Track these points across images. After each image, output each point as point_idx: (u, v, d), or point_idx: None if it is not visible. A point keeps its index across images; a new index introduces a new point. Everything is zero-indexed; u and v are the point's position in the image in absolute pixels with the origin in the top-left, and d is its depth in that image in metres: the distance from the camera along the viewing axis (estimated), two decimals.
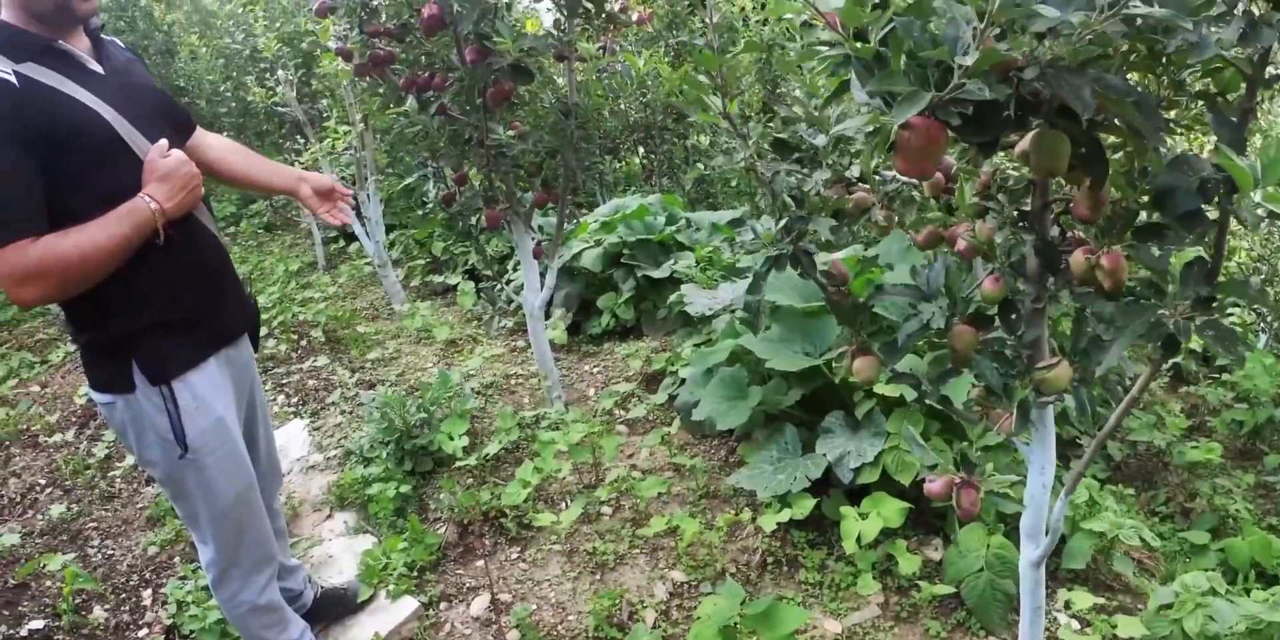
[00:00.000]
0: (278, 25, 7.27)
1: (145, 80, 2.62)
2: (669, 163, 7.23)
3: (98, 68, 2.42)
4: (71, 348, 7.30)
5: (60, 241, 2.20)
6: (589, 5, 3.79)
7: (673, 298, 5.02)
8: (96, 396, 2.54)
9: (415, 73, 3.91)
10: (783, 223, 2.14)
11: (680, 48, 7.61)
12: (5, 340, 7.96)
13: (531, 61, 3.65)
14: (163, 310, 2.48)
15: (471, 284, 6.77)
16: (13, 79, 2.20)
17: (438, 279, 7.29)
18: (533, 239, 4.32)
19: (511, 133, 3.79)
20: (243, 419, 2.83)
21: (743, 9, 6.74)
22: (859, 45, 1.33)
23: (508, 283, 6.16)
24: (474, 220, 4.25)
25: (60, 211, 2.24)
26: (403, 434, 4.33)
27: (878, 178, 2.33)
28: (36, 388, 6.64)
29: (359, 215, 6.99)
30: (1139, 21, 1.36)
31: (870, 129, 1.32)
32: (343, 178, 7.21)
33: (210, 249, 2.64)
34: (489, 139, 3.75)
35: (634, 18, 4.06)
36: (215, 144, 2.88)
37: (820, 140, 2.30)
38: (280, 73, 6.89)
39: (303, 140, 7.14)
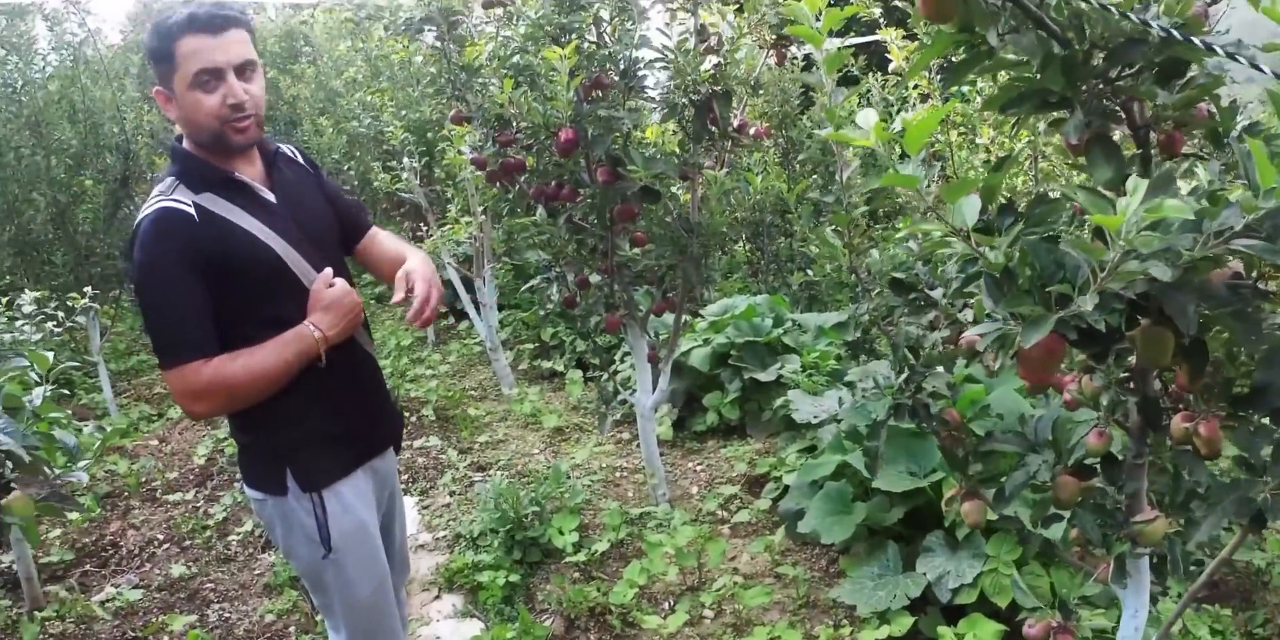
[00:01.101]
0: (403, 113, 7.58)
1: (315, 202, 2.81)
2: (775, 260, 7.40)
3: (270, 197, 2.62)
4: None
5: (230, 364, 2.43)
6: (713, 128, 4.01)
7: (779, 402, 5.17)
8: (249, 492, 2.74)
9: (545, 183, 4.14)
10: (903, 376, 2.31)
11: (789, 144, 7.81)
12: (124, 390, 8.32)
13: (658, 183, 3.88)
14: (318, 425, 2.68)
15: (579, 373, 6.98)
16: (191, 210, 2.43)
17: (546, 364, 7.52)
18: (648, 344, 4.52)
19: (637, 251, 4.02)
20: (381, 516, 3.00)
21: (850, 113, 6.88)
22: (991, 260, 1.51)
23: (614, 373, 6.36)
24: (593, 323, 4.47)
25: (227, 333, 2.47)
26: (515, 525, 4.51)
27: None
28: (155, 442, 6.94)
29: (473, 298, 7.27)
30: None
31: (996, 336, 1.49)
32: (463, 260, 7.51)
33: (365, 368, 2.84)
34: (615, 255, 3.98)
35: (752, 132, 4.26)
36: (382, 247, 3.01)
37: (938, 293, 2.47)
38: (406, 160, 7.20)
39: (424, 226, 7.42)
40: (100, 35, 8.63)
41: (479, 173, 4.41)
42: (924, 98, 6.50)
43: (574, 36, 3.82)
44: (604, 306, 4.27)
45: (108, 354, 7.82)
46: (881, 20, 5.94)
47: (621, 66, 3.82)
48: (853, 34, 7.55)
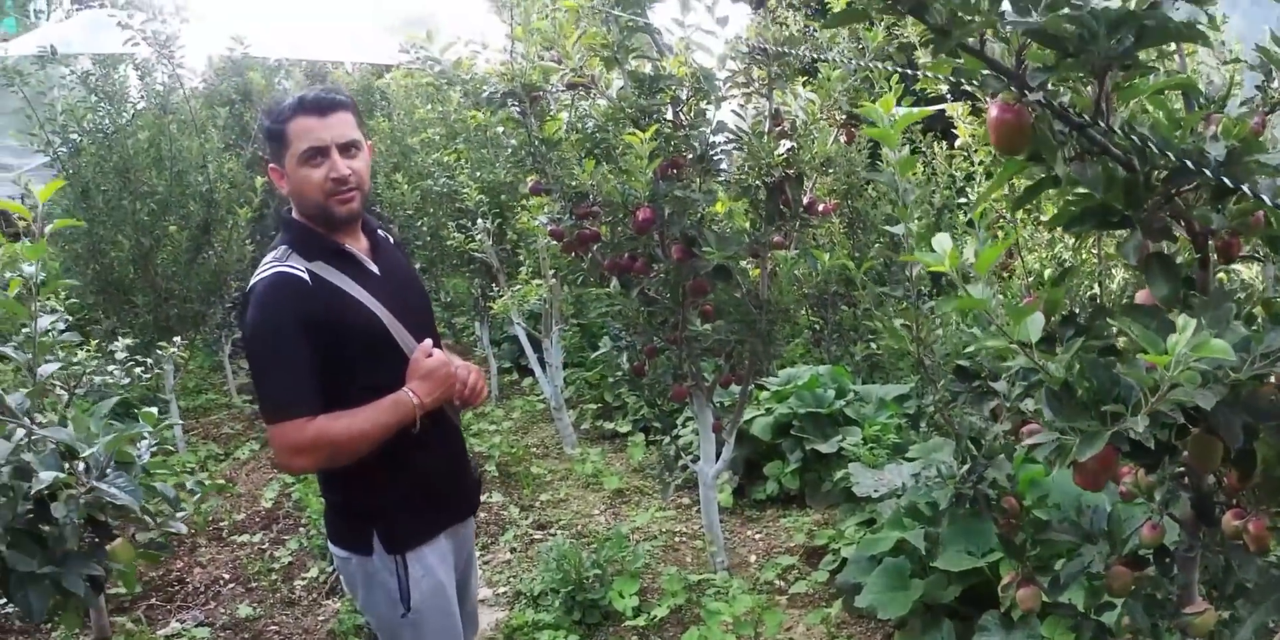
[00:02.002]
0: (478, 174, 7.74)
1: (411, 278, 3.01)
2: (838, 329, 7.46)
3: (374, 268, 2.80)
4: (257, 446, 7.80)
5: (332, 424, 2.57)
6: (785, 209, 4.15)
7: (840, 474, 5.24)
8: (334, 549, 2.88)
9: (619, 256, 4.28)
10: (966, 467, 2.42)
11: (854, 214, 7.88)
12: (192, 427, 8.48)
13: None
14: (407, 490, 2.80)
15: (642, 436, 7.10)
16: (305, 276, 2.61)
17: (608, 425, 7.64)
18: (713, 413, 4.64)
19: (708, 326, 4.15)
20: (458, 577, 3.09)
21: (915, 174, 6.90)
22: (1052, 374, 1.63)
23: (676, 438, 6.45)
24: (660, 391, 4.59)
25: (327, 396, 2.61)
26: (576, 586, 4.62)
27: None
28: (222, 481, 7.07)
29: (539, 357, 7.42)
30: None
31: (1055, 447, 1.60)
32: (530, 317, 7.66)
33: (452, 438, 2.98)
34: (686, 330, 4.11)
35: (820, 209, 4.38)
36: None
37: (1000, 385, 2.58)
38: (480, 222, 7.36)
39: (495, 285, 7.57)
40: (185, 81, 8.87)
41: (555, 243, 4.56)
42: (988, 174, 6.58)
43: (653, 119, 3.98)
44: (672, 377, 4.40)
45: (177, 391, 8.01)
46: (949, 96, 6.05)
47: (699, 150, 3.97)
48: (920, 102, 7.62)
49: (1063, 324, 1.79)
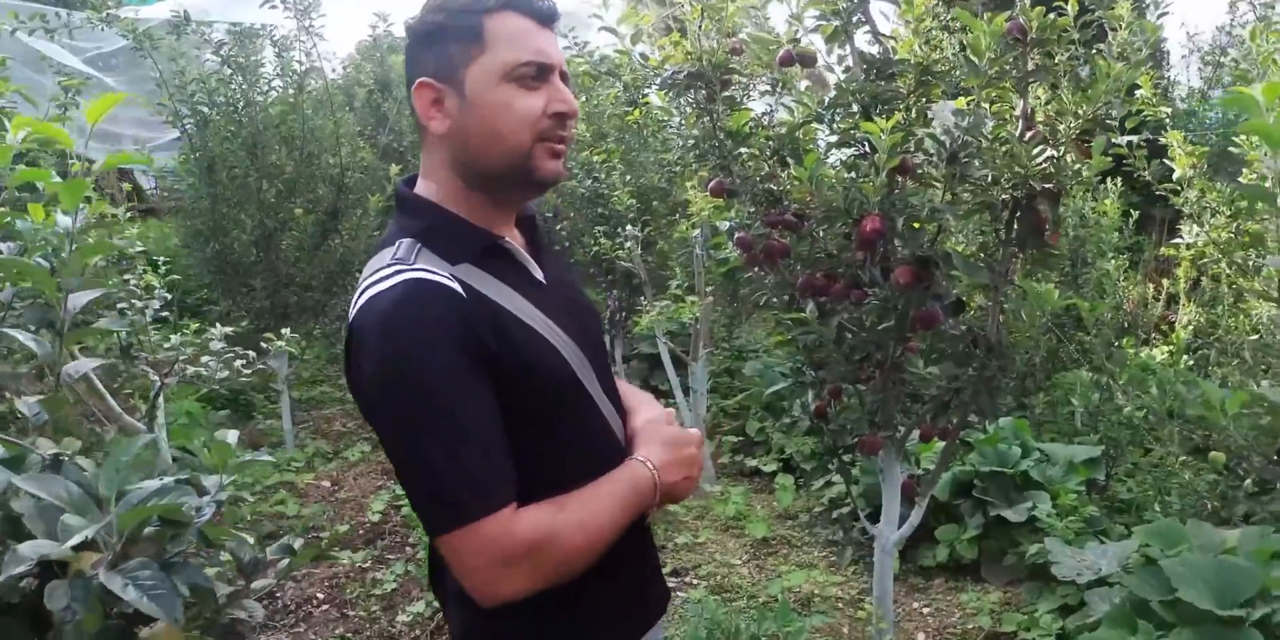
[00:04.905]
0: (628, 178, 7.19)
1: (580, 290, 2.07)
2: (1014, 378, 6.71)
3: (539, 275, 1.86)
4: (369, 447, 7.26)
5: (559, 515, 1.64)
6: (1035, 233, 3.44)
7: (1033, 549, 4.48)
8: None
9: (813, 275, 3.59)
10: None
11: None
12: (303, 420, 8.05)
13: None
14: (592, 605, 1.82)
15: (790, 479, 6.36)
16: (457, 288, 1.64)
17: (749, 461, 6.92)
18: (903, 471, 3.91)
19: (932, 369, 3.44)
20: None
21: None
22: None
23: (828, 484, 5.75)
24: (849, 440, 3.87)
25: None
26: None
27: None
28: (327, 483, 6.63)
29: (681, 381, 6.79)
30: None
31: None
32: (679, 336, 7.04)
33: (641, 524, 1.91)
34: (903, 371, 3.40)
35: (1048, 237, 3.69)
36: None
37: None
38: (629, 228, 6.77)
39: (643, 299, 6.96)
40: (328, 62, 8.52)
41: (740, 254, 3.88)
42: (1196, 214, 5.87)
43: (893, 109, 3.27)
44: (868, 424, 3.67)
45: (291, 381, 7.56)
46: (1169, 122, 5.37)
47: (949, 148, 3.20)
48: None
49: None
